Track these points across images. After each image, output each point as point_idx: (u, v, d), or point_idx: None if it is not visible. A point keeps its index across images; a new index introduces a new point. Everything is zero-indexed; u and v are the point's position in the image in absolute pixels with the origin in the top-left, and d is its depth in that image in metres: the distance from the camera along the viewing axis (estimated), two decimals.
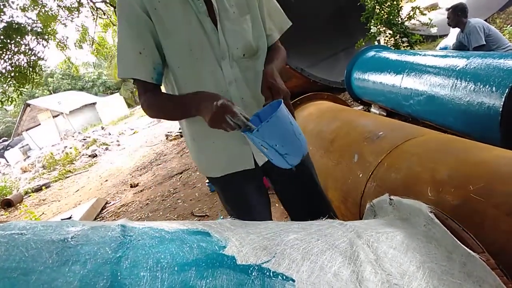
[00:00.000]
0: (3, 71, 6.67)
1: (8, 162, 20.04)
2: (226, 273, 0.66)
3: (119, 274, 0.59)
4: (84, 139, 16.89)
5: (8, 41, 6.50)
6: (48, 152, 15.75)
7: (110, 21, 10.10)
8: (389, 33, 6.33)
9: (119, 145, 14.43)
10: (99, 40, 10.47)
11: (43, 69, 7.56)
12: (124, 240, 0.67)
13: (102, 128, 21.04)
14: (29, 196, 9.99)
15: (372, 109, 4.84)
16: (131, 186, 6.69)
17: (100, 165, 11.34)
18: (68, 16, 8.99)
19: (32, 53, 7.02)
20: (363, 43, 6.36)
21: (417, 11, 6.10)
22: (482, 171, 1.20)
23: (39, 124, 28.11)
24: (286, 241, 0.80)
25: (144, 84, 1.20)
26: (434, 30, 6.49)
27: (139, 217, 4.80)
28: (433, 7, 9.92)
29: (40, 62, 7.20)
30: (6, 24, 6.46)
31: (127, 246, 0.65)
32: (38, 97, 32.56)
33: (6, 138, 30.28)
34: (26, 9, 7.96)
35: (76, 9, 9.00)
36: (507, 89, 2.41)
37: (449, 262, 0.79)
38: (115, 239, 0.67)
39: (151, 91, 1.21)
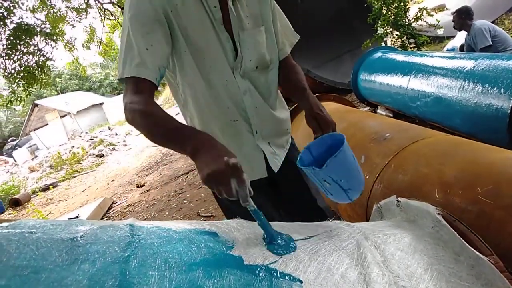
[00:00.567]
0: (13, 71, 6.74)
1: (16, 161, 20.22)
2: (234, 273, 0.66)
3: (127, 273, 0.59)
4: (91, 139, 17.00)
5: (18, 41, 6.58)
6: (56, 152, 15.87)
7: (118, 22, 10.16)
8: (396, 34, 6.29)
9: (125, 145, 14.52)
10: (106, 41, 10.54)
11: (51, 70, 7.64)
12: (133, 239, 0.67)
13: (109, 128, 21.17)
14: (36, 196, 10.08)
15: (379, 111, 4.82)
16: (138, 186, 6.72)
17: (107, 165, 11.41)
18: (76, 17, 9.08)
19: (41, 53, 7.08)
20: (370, 44, 6.33)
21: (424, 12, 6.06)
22: (490, 173, 1.19)
23: (47, 124, 28.34)
24: None
25: (141, 83, 1.03)
26: (441, 31, 6.45)
27: (145, 217, 4.82)
28: (441, 8, 9.85)
29: (48, 62, 7.26)
30: (15, 25, 6.53)
31: (135, 245, 0.66)
32: (46, 97, 32.83)
33: (14, 138, 30.56)
34: (35, 10, 8.05)
35: (84, 10, 9.08)
36: None
37: (457, 264, 0.78)
38: (124, 238, 0.67)
39: (147, 93, 1.04)
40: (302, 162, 1.04)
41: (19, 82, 6.85)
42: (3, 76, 6.84)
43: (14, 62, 6.73)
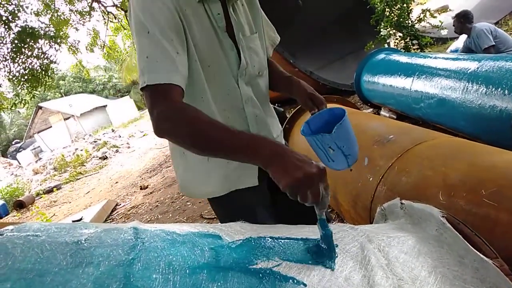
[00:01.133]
0: (17, 74, 6.80)
1: (20, 164, 20.33)
2: (237, 276, 0.66)
3: (131, 276, 0.59)
4: (95, 142, 17.07)
5: (22, 45, 6.63)
6: (59, 154, 15.96)
7: (121, 25, 10.23)
8: (399, 36, 6.28)
9: (129, 147, 14.56)
10: (110, 44, 10.62)
11: (55, 72, 7.70)
12: (137, 242, 0.68)
13: (113, 130, 21.24)
14: (40, 198, 10.12)
15: (382, 112, 4.81)
16: (141, 188, 6.74)
17: (111, 167, 11.45)
18: (80, 20, 9.15)
19: (45, 56, 7.15)
20: (373, 46, 6.32)
21: (427, 13, 6.05)
22: (494, 175, 1.18)
23: (51, 127, 28.52)
24: None
25: (174, 91, 0.95)
26: (444, 33, 6.41)
27: (149, 219, 4.83)
28: (444, 9, 9.82)
29: (52, 65, 7.33)
30: (20, 29, 6.59)
31: (139, 248, 0.66)
32: (49, 99, 33.04)
33: (18, 140, 30.74)
34: (40, 13, 8.12)
35: (87, 13, 9.15)
36: None
37: (461, 268, 0.78)
38: (128, 241, 0.67)
39: (180, 99, 0.96)
40: (305, 133, 1.11)
41: (24, 85, 6.91)
42: (8, 79, 6.90)
43: (19, 65, 6.79)
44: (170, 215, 4.67)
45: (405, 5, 6.01)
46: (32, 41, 6.79)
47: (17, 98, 7.19)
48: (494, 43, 4.14)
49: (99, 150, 15.04)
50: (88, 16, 9.21)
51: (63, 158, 14.89)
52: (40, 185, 12.35)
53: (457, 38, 6.70)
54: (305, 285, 0.68)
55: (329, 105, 1.28)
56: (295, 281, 0.69)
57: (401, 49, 6.04)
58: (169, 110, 0.92)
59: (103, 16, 9.67)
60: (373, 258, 0.77)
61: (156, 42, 0.97)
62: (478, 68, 2.82)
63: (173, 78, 0.95)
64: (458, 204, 1.17)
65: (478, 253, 0.77)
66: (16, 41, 6.59)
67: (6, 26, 6.41)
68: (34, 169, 15.63)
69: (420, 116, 3.75)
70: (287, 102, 6.54)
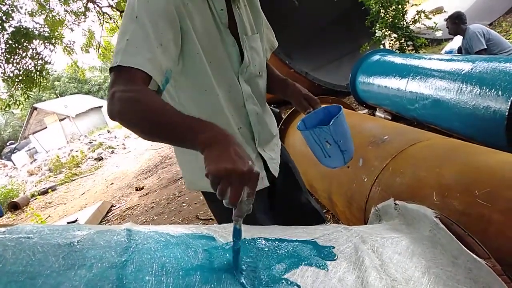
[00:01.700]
0: (11, 75, 6.75)
1: (15, 165, 20.21)
2: (231, 278, 0.66)
3: (124, 278, 0.59)
4: (90, 142, 17.01)
5: (16, 45, 6.59)
6: (55, 155, 15.87)
7: (117, 25, 10.18)
8: (394, 37, 6.32)
9: (124, 148, 14.51)
10: (105, 44, 10.55)
11: (50, 73, 7.65)
12: (130, 244, 0.67)
13: (108, 131, 21.15)
14: (35, 199, 10.05)
15: (377, 113, 4.83)
16: (137, 189, 6.71)
17: (106, 168, 11.40)
18: (75, 21, 9.10)
19: (40, 57, 7.10)
20: (368, 47, 6.35)
21: (422, 14, 6.08)
22: (488, 176, 1.19)
23: (46, 128, 28.36)
24: None
25: (139, 75, 0.91)
26: (439, 34, 6.46)
27: (144, 220, 4.81)
28: (438, 10, 9.88)
29: (47, 66, 7.29)
30: (14, 29, 6.55)
31: (132, 250, 0.66)
32: (45, 100, 32.87)
33: (13, 141, 30.56)
34: (34, 14, 8.07)
35: (82, 14, 9.10)
36: None
37: (455, 268, 0.78)
38: (121, 243, 0.67)
39: (145, 86, 0.92)
40: (301, 128, 1.14)
41: (18, 85, 6.86)
42: (2, 79, 6.85)
43: (13, 65, 6.74)
44: (166, 216, 4.66)
45: (400, 6, 6.04)
46: (26, 42, 6.74)
47: (11, 99, 7.14)
48: (485, 47, 4.16)
49: (94, 151, 14.98)
50: (83, 17, 9.16)
51: (58, 159, 14.80)
52: (35, 186, 12.26)
53: (451, 39, 6.74)
54: (298, 286, 0.68)
55: (324, 106, 1.29)
56: (289, 282, 0.69)
57: (396, 50, 6.07)
58: (124, 91, 0.88)
59: (98, 17, 9.63)
60: (367, 259, 0.77)
61: (141, 27, 0.94)
62: (472, 69, 2.84)
63: (146, 66, 0.91)
64: (451, 205, 1.18)
65: (471, 253, 0.77)
66: (10, 42, 6.54)
67: (0, 27, 6.37)
68: (29, 170, 15.53)
69: (414, 117, 3.77)
70: (283, 103, 6.55)
